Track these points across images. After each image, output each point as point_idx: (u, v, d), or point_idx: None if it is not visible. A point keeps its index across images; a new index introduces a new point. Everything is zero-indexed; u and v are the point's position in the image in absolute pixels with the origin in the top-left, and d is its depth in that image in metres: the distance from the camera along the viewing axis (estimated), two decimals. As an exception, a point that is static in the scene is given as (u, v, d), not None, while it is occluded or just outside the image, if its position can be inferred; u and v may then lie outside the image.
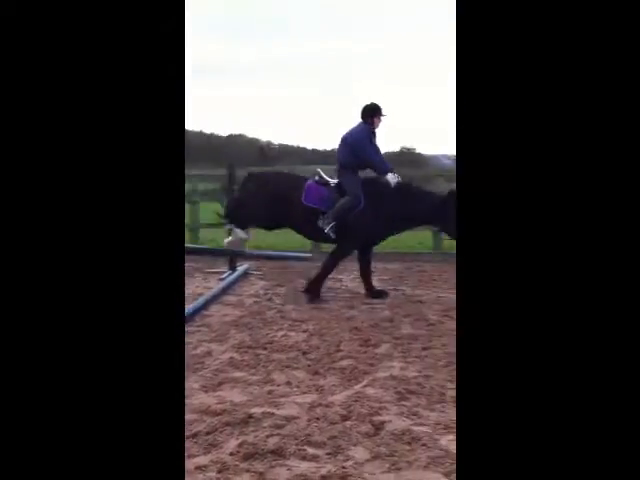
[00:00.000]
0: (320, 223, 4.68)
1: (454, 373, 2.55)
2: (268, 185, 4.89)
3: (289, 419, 2.27)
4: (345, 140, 4.85)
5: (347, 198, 4.68)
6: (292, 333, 3.73)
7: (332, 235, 4.68)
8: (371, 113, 4.82)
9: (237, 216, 4.88)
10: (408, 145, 32.70)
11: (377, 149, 4.91)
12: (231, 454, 1.97)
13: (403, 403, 2.49)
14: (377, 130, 4.92)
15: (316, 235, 5.00)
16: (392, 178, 4.75)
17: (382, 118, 4.87)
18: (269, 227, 5.14)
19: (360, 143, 4.76)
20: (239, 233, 4.85)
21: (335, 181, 4.83)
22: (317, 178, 4.89)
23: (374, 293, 4.90)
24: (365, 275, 4.96)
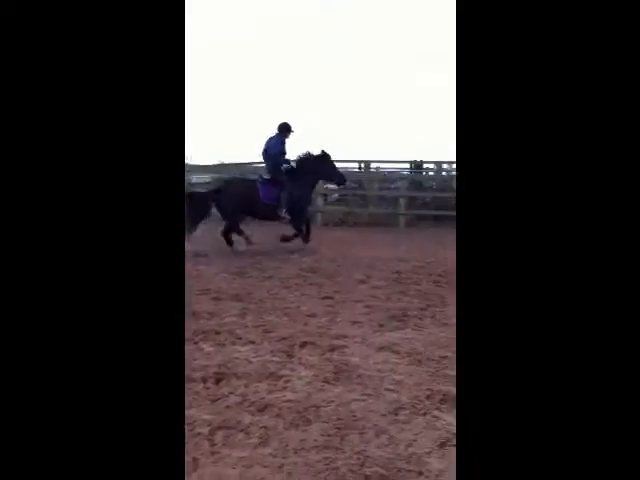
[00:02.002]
0: (280, 213, 7.44)
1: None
2: (231, 190, 7.52)
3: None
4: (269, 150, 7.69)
5: (285, 193, 7.41)
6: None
7: (288, 217, 7.52)
8: (287, 129, 7.67)
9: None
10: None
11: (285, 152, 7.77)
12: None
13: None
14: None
15: (269, 219, 7.69)
16: (286, 167, 7.68)
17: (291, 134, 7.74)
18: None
19: (282, 151, 7.64)
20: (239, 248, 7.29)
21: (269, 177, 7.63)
22: (261, 179, 7.64)
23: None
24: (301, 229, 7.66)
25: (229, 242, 7.35)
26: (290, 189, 7.45)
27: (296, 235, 7.61)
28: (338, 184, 8.41)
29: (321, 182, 8.92)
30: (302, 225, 7.65)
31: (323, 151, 7.82)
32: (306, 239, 7.63)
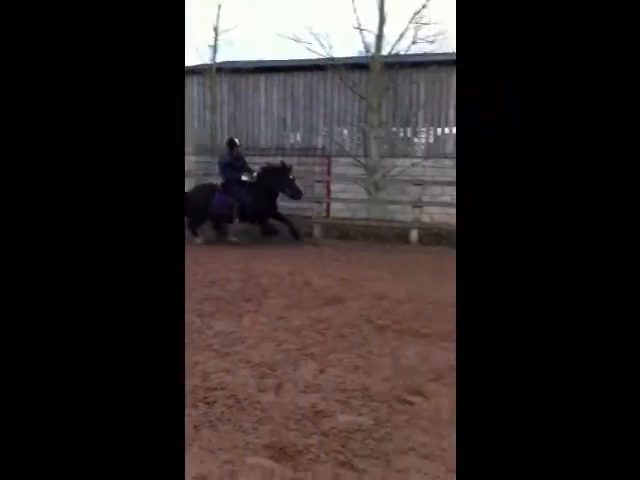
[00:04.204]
0: (235, 221, 8.47)
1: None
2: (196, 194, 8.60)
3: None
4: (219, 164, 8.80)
5: (237, 201, 8.40)
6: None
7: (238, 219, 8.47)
8: (230, 144, 8.72)
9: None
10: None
11: (239, 166, 8.62)
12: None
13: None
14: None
15: (222, 221, 8.66)
16: (245, 177, 8.59)
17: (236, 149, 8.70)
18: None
19: (221, 165, 8.71)
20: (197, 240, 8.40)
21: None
22: (221, 188, 8.56)
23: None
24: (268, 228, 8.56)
25: (194, 234, 8.53)
26: (245, 198, 8.39)
27: (269, 233, 8.55)
28: (292, 197, 8.82)
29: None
30: (269, 228, 8.55)
31: (282, 163, 8.71)
32: (297, 236, 8.54)
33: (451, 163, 10.65)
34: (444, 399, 2.67)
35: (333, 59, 10.82)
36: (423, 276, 6.10)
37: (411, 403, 2.64)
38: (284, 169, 8.55)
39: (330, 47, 15.88)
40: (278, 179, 8.51)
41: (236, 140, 8.88)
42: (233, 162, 8.60)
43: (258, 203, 8.43)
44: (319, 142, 11.64)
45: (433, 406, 2.59)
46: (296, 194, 8.69)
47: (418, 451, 2.15)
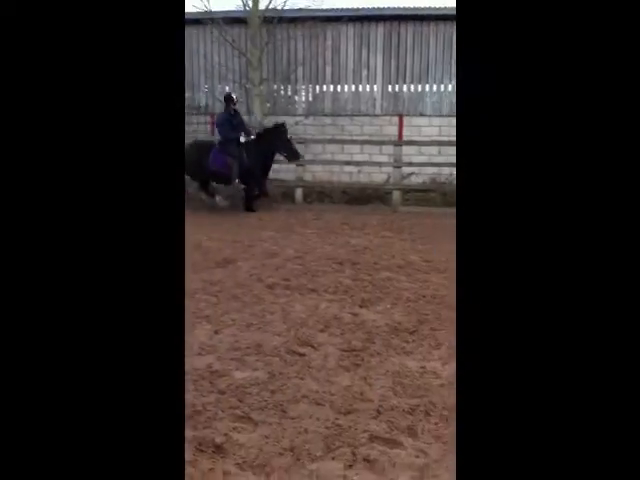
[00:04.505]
0: (234, 182, 8.04)
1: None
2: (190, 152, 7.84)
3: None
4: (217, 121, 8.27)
5: (236, 161, 7.96)
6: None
7: (242, 184, 8.13)
8: (228, 99, 8.13)
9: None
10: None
11: (236, 123, 8.13)
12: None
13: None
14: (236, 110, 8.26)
15: (220, 182, 8.33)
16: (243, 138, 8.06)
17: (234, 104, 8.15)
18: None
19: (219, 122, 8.21)
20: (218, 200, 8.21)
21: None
22: (218, 146, 8.10)
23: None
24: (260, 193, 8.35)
25: (209, 195, 8.35)
26: (243, 158, 7.96)
27: (257, 197, 8.29)
28: (288, 159, 8.49)
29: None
30: (253, 191, 8.22)
31: (279, 123, 8.39)
32: (248, 205, 8.18)
33: (330, 121, 10.90)
34: (331, 348, 2.93)
35: (211, 13, 10.49)
36: (309, 234, 6.36)
37: (301, 354, 2.85)
38: (282, 129, 8.29)
39: (208, 0, 15.31)
40: (276, 139, 8.22)
41: (234, 95, 8.29)
42: (230, 119, 8.10)
43: (255, 164, 8.11)
44: (202, 99, 11.33)
45: (322, 355, 2.83)
46: (293, 155, 8.44)
47: (310, 398, 2.37)
